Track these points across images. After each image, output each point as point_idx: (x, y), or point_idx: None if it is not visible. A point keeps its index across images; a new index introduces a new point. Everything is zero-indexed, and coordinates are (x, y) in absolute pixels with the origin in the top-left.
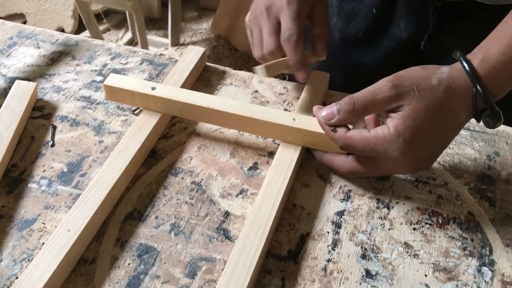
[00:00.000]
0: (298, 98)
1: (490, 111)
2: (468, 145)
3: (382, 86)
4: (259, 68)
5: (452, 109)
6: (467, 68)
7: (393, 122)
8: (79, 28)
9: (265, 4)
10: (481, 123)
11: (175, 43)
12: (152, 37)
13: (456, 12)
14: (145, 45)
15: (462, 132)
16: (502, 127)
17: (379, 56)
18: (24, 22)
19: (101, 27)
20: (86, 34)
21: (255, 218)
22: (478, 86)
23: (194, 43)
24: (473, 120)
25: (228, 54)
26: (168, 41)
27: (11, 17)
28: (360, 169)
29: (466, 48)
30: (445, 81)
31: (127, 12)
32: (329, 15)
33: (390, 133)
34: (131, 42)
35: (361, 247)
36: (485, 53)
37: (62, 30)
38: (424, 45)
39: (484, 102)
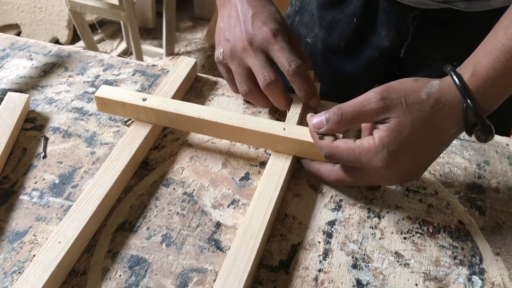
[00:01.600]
0: (289, 108)
1: (481, 125)
2: (458, 154)
3: (370, 97)
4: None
5: (440, 123)
6: (457, 82)
7: (378, 134)
8: (74, 38)
9: (245, 39)
10: (473, 137)
11: (170, 53)
12: (146, 47)
13: (435, 20)
14: (139, 55)
15: (453, 141)
16: None
17: (362, 64)
18: (19, 33)
19: (96, 37)
20: (80, 44)
21: (247, 228)
22: (468, 101)
23: (188, 52)
24: None
25: None
26: (162, 51)
27: (5, 28)
28: (346, 179)
29: (445, 55)
30: (435, 95)
31: (121, 22)
32: (310, 25)
33: (375, 144)
34: (126, 52)
35: (352, 257)
36: (474, 67)
37: (57, 41)
38: (404, 52)
39: (475, 117)
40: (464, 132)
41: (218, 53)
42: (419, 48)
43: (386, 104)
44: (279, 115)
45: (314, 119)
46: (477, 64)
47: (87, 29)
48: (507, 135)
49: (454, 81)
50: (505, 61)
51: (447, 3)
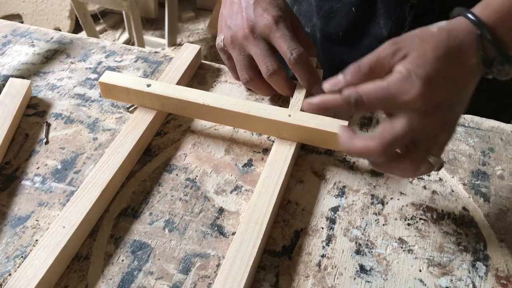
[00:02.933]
0: (292, 94)
1: (500, 55)
2: (463, 141)
3: (383, 45)
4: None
5: (460, 49)
6: (468, 15)
7: (402, 65)
8: (76, 28)
9: (246, 26)
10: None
11: (172, 43)
12: (149, 37)
13: (432, 9)
14: (141, 46)
15: (457, 128)
16: (497, 123)
17: (361, 54)
18: (21, 23)
19: (98, 28)
20: (82, 34)
21: (252, 214)
22: (482, 29)
23: (191, 43)
24: (467, 117)
25: None
26: (165, 41)
27: (7, 18)
28: (389, 132)
29: None
30: (446, 27)
31: (123, 13)
32: (308, 15)
33: (401, 72)
34: (128, 43)
35: (356, 243)
36: (486, 2)
37: (59, 31)
38: None
39: (492, 43)
40: (469, 119)
41: (219, 40)
42: None
43: (400, 44)
44: (282, 101)
45: (327, 83)
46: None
47: (89, 19)
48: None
49: (465, 15)
50: None
51: None
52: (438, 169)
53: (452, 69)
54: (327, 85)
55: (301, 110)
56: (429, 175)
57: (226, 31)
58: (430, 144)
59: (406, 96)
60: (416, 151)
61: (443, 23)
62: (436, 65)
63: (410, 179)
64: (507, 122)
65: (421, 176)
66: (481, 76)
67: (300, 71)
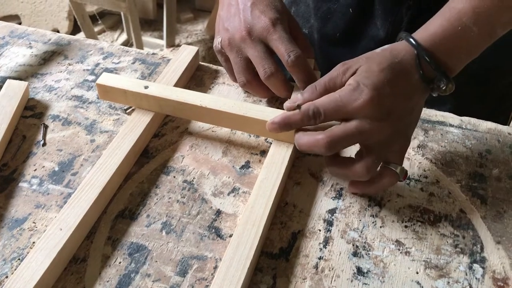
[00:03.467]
0: (290, 96)
1: (438, 73)
2: (460, 143)
3: (335, 68)
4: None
5: (401, 64)
6: (408, 38)
7: (352, 79)
8: (74, 29)
9: (244, 29)
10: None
11: (171, 44)
12: (147, 38)
13: (428, 10)
14: (140, 47)
15: (454, 130)
16: (494, 125)
17: (358, 55)
18: (19, 24)
19: (96, 29)
20: (81, 35)
21: (249, 216)
22: (419, 49)
23: (189, 44)
24: (465, 119)
25: None
26: (163, 42)
27: (5, 19)
28: (338, 134)
29: None
30: (389, 48)
31: (122, 14)
32: (306, 16)
33: (351, 84)
34: (126, 44)
35: (353, 245)
36: (426, 25)
37: (57, 32)
38: None
39: (428, 62)
40: (467, 121)
41: (217, 42)
42: None
43: (349, 64)
44: (279, 103)
45: (287, 102)
46: (429, 23)
47: (87, 20)
48: (505, 123)
49: (404, 36)
50: (453, 20)
51: None
52: (404, 178)
53: (396, 80)
54: (287, 103)
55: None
56: (426, 177)
57: (223, 33)
58: (383, 150)
59: (356, 103)
60: (369, 155)
61: (386, 46)
62: (382, 76)
63: (408, 182)
64: (503, 124)
65: (418, 178)
66: (427, 93)
67: (297, 73)
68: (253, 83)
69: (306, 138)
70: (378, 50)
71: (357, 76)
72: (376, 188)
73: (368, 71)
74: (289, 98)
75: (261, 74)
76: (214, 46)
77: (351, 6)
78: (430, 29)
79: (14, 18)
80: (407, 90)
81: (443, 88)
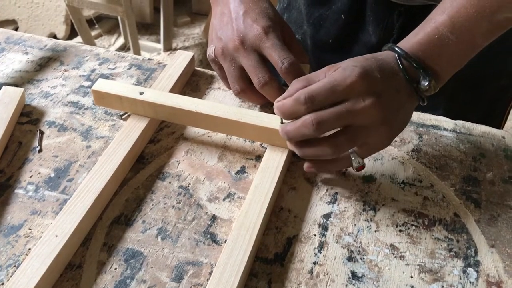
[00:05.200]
0: None
1: (419, 69)
2: (454, 147)
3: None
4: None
5: (386, 60)
6: (389, 46)
7: (341, 65)
8: (71, 34)
9: (237, 38)
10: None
11: (168, 48)
12: (144, 42)
13: (420, 17)
14: (137, 50)
15: (448, 134)
16: (488, 129)
17: None
18: (16, 29)
19: (93, 33)
20: (78, 40)
21: (243, 222)
22: (400, 52)
23: (186, 48)
24: (459, 122)
25: None
26: (160, 46)
27: (2, 24)
28: (330, 115)
29: None
30: (371, 54)
31: (119, 18)
32: (299, 22)
33: (341, 66)
34: (123, 48)
35: (348, 249)
36: (406, 38)
37: (54, 36)
38: None
39: (407, 60)
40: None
41: (210, 51)
42: None
43: (332, 65)
44: None
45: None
46: (409, 35)
47: (84, 25)
48: (499, 127)
49: (388, 47)
50: (430, 30)
51: (432, 0)
52: (357, 169)
53: (383, 69)
54: (279, 98)
55: None
56: (420, 181)
57: (216, 43)
58: (360, 136)
59: (348, 80)
60: (343, 134)
61: (370, 54)
62: (369, 62)
63: (402, 186)
64: (497, 127)
65: (412, 182)
66: (414, 97)
67: (291, 80)
68: (247, 92)
69: (291, 124)
70: (363, 56)
71: (345, 63)
72: (327, 167)
73: (354, 60)
74: None
75: (255, 83)
76: (207, 55)
77: (343, 12)
78: (409, 39)
79: (11, 23)
80: (394, 82)
81: (427, 86)
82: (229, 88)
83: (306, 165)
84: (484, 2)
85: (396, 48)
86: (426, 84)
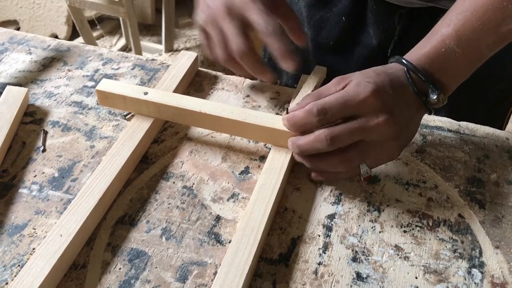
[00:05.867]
0: (289, 102)
1: (428, 83)
2: (458, 148)
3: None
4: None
5: (395, 74)
6: (397, 59)
7: (353, 81)
8: (73, 34)
9: (223, 5)
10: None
11: (169, 49)
12: (146, 43)
13: (421, 19)
14: (138, 51)
15: (452, 135)
16: (492, 130)
17: (352, 63)
18: (18, 29)
19: (95, 34)
20: (79, 40)
21: (248, 222)
22: (408, 65)
23: (188, 49)
24: (463, 124)
25: None
26: (162, 47)
27: (4, 24)
28: (345, 129)
29: None
30: (381, 66)
31: (120, 19)
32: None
33: (354, 82)
34: (125, 49)
35: (352, 250)
36: (412, 50)
37: (56, 37)
38: (391, 51)
39: (419, 77)
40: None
41: (199, 18)
42: (406, 47)
43: (343, 77)
44: (278, 109)
45: (287, 116)
46: (415, 47)
47: (86, 25)
48: (500, 128)
49: (395, 60)
50: (437, 43)
51: (433, 2)
52: (364, 179)
53: (394, 84)
54: (286, 115)
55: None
56: (424, 182)
57: (205, 10)
58: (370, 150)
59: (361, 95)
60: (355, 149)
61: (378, 66)
62: (381, 77)
63: (406, 187)
64: (499, 129)
65: (416, 183)
66: (422, 110)
67: (273, 43)
68: (232, 60)
69: (304, 138)
70: (372, 69)
71: (357, 78)
72: (335, 176)
73: (365, 74)
74: (266, 80)
75: (234, 51)
76: (195, 22)
77: (344, 14)
78: (416, 52)
79: (12, 23)
80: (405, 97)
81: (435, 99)
82: (213, 56)
83: (314, 174)
84: (489, 15)
85: (404, 61)
86: (435, 97)
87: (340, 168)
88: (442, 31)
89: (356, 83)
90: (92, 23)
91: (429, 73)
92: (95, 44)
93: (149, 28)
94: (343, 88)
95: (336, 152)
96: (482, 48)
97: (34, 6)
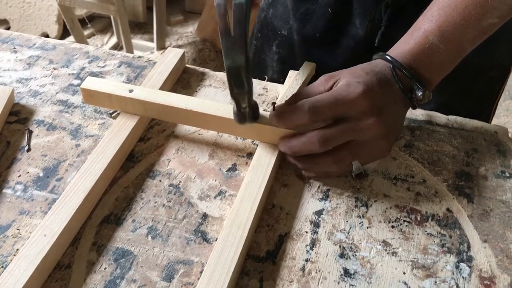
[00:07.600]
0: (277, 98)
1: (414, 80)
2: (447, 142)
3: (317, 80)
4: None
5: (382, 72)
6: (381, 55)
7: (342, 81)
8: (64, 33)
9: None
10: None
11: (161, 47)
12: (137, 41)
13: (407, 9)
14: (130, 50)
15: (441, 129)
16: (480, 124)
17: (339, 55)
18: (8, 28)
19: (86, 32)
20: (70, 39)
21: (234, 219)
22: (393, 62)
23: (179, 46)
24: (451, 117)
25: (214, 57)
26: (153, 45)
27: None
28: (336, 132)
29: None
30: (367, 63)
31: (111, 17)
32: (285, 18)
33: (344, 81)
34: (116, 47)
35: (340, 246)
36: (395, 46)
37: (47, 36)
38: (378, 42)
39: (404, 73)
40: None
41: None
42: (392, 37)
43: (331, 75)
44: (266, 105)
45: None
46: (398, 43)
47: (76, 24)
48: (487, 119)
49: (379, 56)
50: (420, 39)
51: None
52: (357, 176)
53: (381, 83)
54: (273, 113)
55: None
56: (412, 177)
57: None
58: (361, 149)
59: (352, 95)
60: (347, 149)
61: (364, 63)
62: (369, 77)
63: (394, 181)
64: (486, 120)
65: (404, 178)
66: (407, 106)
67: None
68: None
69: (296, 140)
70: (358, 66)
71: (346, 77)
72: (327, 174)
73: (354, 74)
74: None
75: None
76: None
77: (330, 5)
78: (400, 48)
79: (2, 22)
80: (392, 94)
81: (421, 96)
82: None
83: (305, 171)
84: (470, 10)
85: (389, 57)
86: (420, 94)
87: (332, 168)
88: (425, 26)
89: (347, 83)
90: (83, 22)
91: (414, 70)
92: (86, 43)
93: (140, 26)
94: (331, 86)
95: (328, 152)
96: (464, 43)
97: (24, 5)
